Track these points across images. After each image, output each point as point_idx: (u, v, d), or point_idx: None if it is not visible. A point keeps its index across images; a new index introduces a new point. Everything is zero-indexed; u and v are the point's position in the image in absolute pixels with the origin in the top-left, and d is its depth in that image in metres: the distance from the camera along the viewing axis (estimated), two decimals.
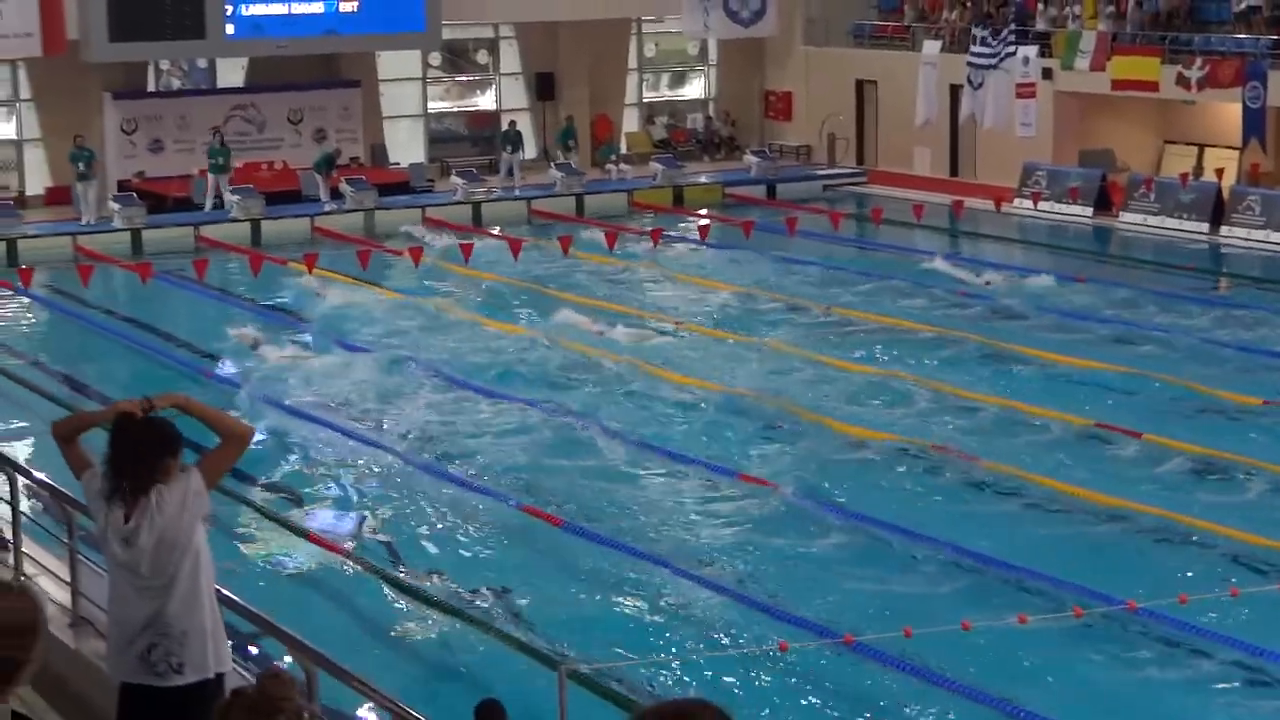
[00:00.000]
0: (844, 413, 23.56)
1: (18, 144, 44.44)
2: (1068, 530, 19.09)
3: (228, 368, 27.49)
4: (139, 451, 8.00)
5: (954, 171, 45.22)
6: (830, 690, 14.98)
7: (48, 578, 12.35)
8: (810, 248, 36.63)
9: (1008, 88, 40.30)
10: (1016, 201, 40.98)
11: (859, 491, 20.27)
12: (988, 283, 32.19)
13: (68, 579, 11.78)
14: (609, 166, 46.03)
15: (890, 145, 46.83)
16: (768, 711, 14.56)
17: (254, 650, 13.87)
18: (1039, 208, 40.60)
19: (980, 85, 40.71)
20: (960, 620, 14.67)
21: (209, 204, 41.26)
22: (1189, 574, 17.45)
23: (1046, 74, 41.25)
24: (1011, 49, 40.41)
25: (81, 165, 40.27)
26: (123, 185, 42.57)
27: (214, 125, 42.79)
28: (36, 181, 44.12)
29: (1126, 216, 39.44)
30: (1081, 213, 40.22)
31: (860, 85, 48.12)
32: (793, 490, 20.11)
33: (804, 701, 14.81)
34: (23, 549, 12.62)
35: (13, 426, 23.96)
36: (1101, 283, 32.56)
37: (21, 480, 12.73)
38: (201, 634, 8.06)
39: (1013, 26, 41.49)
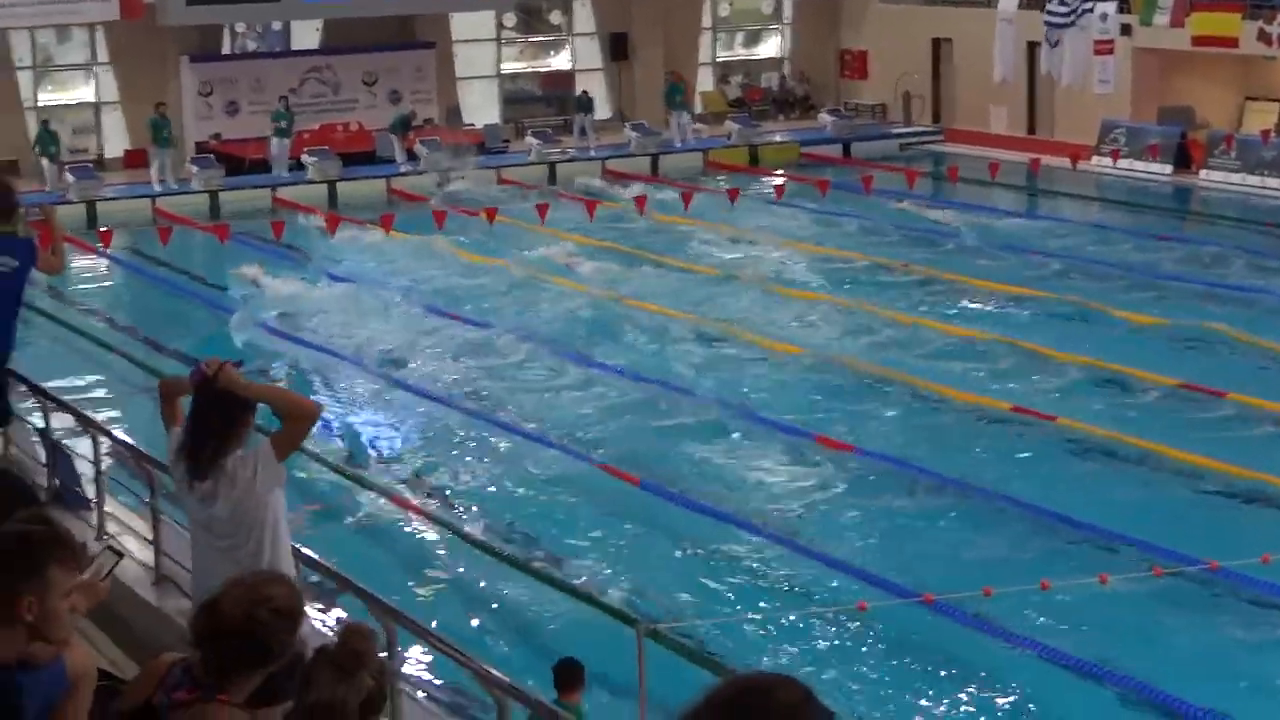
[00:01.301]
0: (924, 372, 23.44)
1: (96, 107, 44.67)
2: (1150, 490, 18.96)
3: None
4: (216, 412, 8.03)
5: (1031, 129, 44.87)
6: (910, 649, 14.93)
7: (130, 536, 12.43)
8: (886, 206, 36.46)
9: (1086, 44, 39.89)
10: (1094, 159, 40.65)
11: (938, 452, 20.17)
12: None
13: (150, 538, 11.85)
14: (680, 124, 45.77)
15: (966, 103, 46.51)
16: (847, 671, 14.52)
17: (334, 608, 13.91)
18: (1117, 165, 40.26)
19: (1058, 43, 40.31)
20: (1040, 580, 14.59)
21: (280, 168, 41.41)
22: (1273, 534, 17.29)
23: (1125, 30, 40.83)
24: (1089, 5, 39.98)
25: (166, 132, 40.50)
26: (200, 148, 42.76)
27: (281, 94, 42.87)
28: (115, 144, 44.35)
29: (1206, 174, 39.09)
30: (1160, 170, 39.84)
31: (936, 43, 47.79)
32: (871, 451, 20.05)
33: (883, 661, 14.77)
34: (106, 508, 12.71)
35: (95, 388, 24.08)
36: (1185, 240, 32.26)
37: (104, 440, 12.80)
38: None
39: None
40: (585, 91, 46.95)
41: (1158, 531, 16.97)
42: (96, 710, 5.80)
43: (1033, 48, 42.23)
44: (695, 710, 3.33)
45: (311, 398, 8.31)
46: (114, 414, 20.96)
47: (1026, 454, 20.34)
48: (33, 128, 41.63)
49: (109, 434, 12.84)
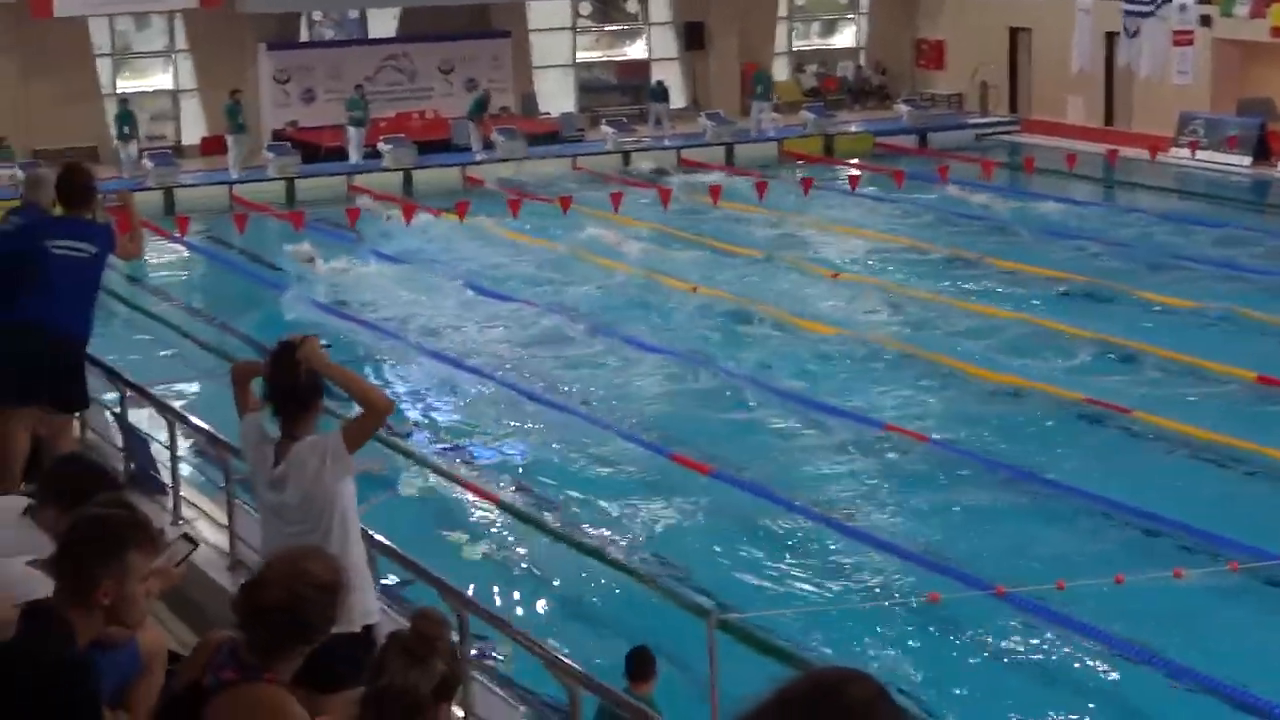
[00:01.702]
0: (998, 363, 23.32)
1: (174, 94, 44.96)
2: (1228, 485, 18.82)
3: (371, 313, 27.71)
4: (286, 394, 8.08)
5: (1109, 120, 44.58)
6: (982, 643, 14.88)
7: (205, 521, 12.51)
8: (962, 197, 36.31)
9: (1165, 35, 39.61)
10: (1173, 151, 40.35)
11: (1012, 443, 20.07)
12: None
13: (225, 523, 11.92)
14: (760, 114, 45.69)
15: (1044, 93, 46.25)
16: (917, 663, 14.48)
17: (405, 595, 13.97)
18: (1196, 157, 39.95)
19: (1136, 33, 40.04)
20: (1114, 574, 14.52)
21: (355, 156, 41.58)
22: None
23: (1204, 21, 40.51)
24: None
25: (240, 118, 40.75)
26: (276, 135, 42.98)
27: (357, 82, 43.04)
28: (193, 131, 44.63)
29: None
30: (1239, 162, 39.49)
31: (1014, 33, 47.54)
32: (944, 441, 19.99)
33: (955, 653, 14.72)
34: (181, 493, 12.79)
35: (171, 373, 24.23)
36: (1264, 233, 31.97)
37: (180, 426, 12.89)
38: (351, 584, 8.10)
39: None
40: (660, 81, 46.98)
41: (1235, 526, 16.83)
42: (167, 689, 5.85)
43: (1111, 38, 41.96)
44: (766, 705, 3.31)
45: (385, 391, 8.30)
46: (189, 399, 21.10)
47: (1101, 447, 20.21)
48: (112, 115, 41.93)
49: (185, 419, 12.93)
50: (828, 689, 3.30)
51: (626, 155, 43.30)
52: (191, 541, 6.64)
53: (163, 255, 33.74)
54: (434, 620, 5.30)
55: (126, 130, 40.34)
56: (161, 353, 25.80)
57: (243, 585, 5.75)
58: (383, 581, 10.21)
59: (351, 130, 41.57)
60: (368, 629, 8.16)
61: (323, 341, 8.13)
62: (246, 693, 5.50)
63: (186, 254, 34.31)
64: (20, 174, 36.53)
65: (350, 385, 8.22)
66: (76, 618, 5.95)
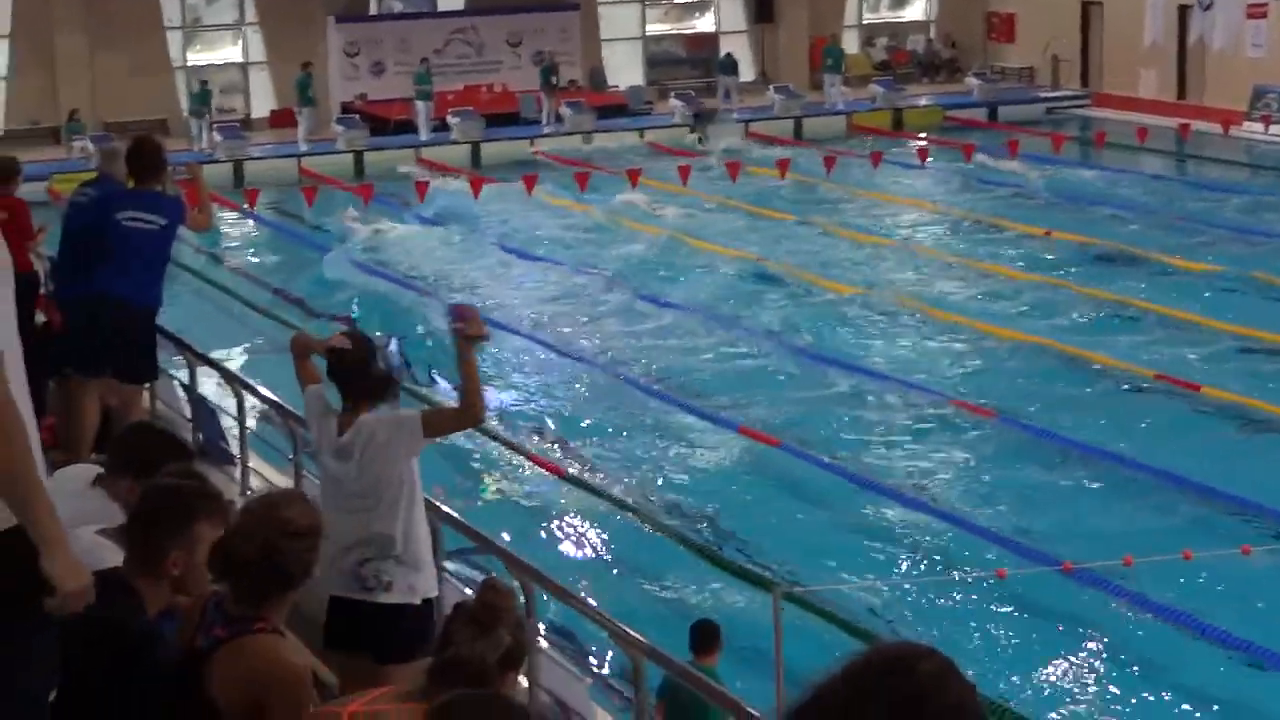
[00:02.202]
0: (1065, 338, 23.22)
1: (244, 67, 45.15)
2: None
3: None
4: (354, 366, 8.15)
5: (1181, 94, 44.24)
6: (1049, 618, 14.83)
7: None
8: (1032, 171, 36.12)
9: (1238, 8, 39.32)
10: (1245, 125, 40.00)
11: (1080, 418, 19.96)
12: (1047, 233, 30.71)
13: None
14: (833, 87, 45.54)
15: (1116, 67, 45.93)
16: (984, 638, 14.44)
17: (471, 567, 14.01)
18: (1270, 131, 39.58)
19: (1210, 6, 39.78)
20: (1182, 550, 14.45)
21: (424, 130, 41.69)
22: None
23: None
24: None
25: (310, 91, 40.92)
26: (345, 108, 43.12)
27: (424, 56, 43.14)
28: (262, 104, 44.80)
29: None
30: None
31: (1085, 6, 47.24)
32: (1011, 416, 19.92)
33: (1022, 629, 14.68)
34: (249, 464, 12.86)
35: (239, 345, 24.37)
36: None
37: (248, 397, 12.95)
38: (414, 559, 8.16)
39: None
40: (729, 54, 46.88)
41: None
42: (166, 658, 5.85)
43: (1184, 11, 41.67)
44: (833, 680, 3.30)
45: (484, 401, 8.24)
46: (258, 371, 21.19)
47: (1171, 422, 20.09)
48: (181, 88, 42.17)
49: (253, 390, 12.99)
50: (897, 664, 3.28)
51: (693, 128, 43.26)
52: None
53: (232, 227, 33.90)
54: (500, 591, 5.32)
55: (204, 108, 40.58)
56: (229, 324, 25.92)
57: (217, 540, 5.76)
58: (447, 559, 10.22)
59: (419, 104, 41.67)
60: (428, 603, 8.20)
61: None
62: (239, 646, 5.51)
63: (255, 227, 34.46)
64: (91, 146, 36.77)
65: (468, 380, 8.12)
66: (145, 587, 5.99)
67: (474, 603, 5.27)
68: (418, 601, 8.15)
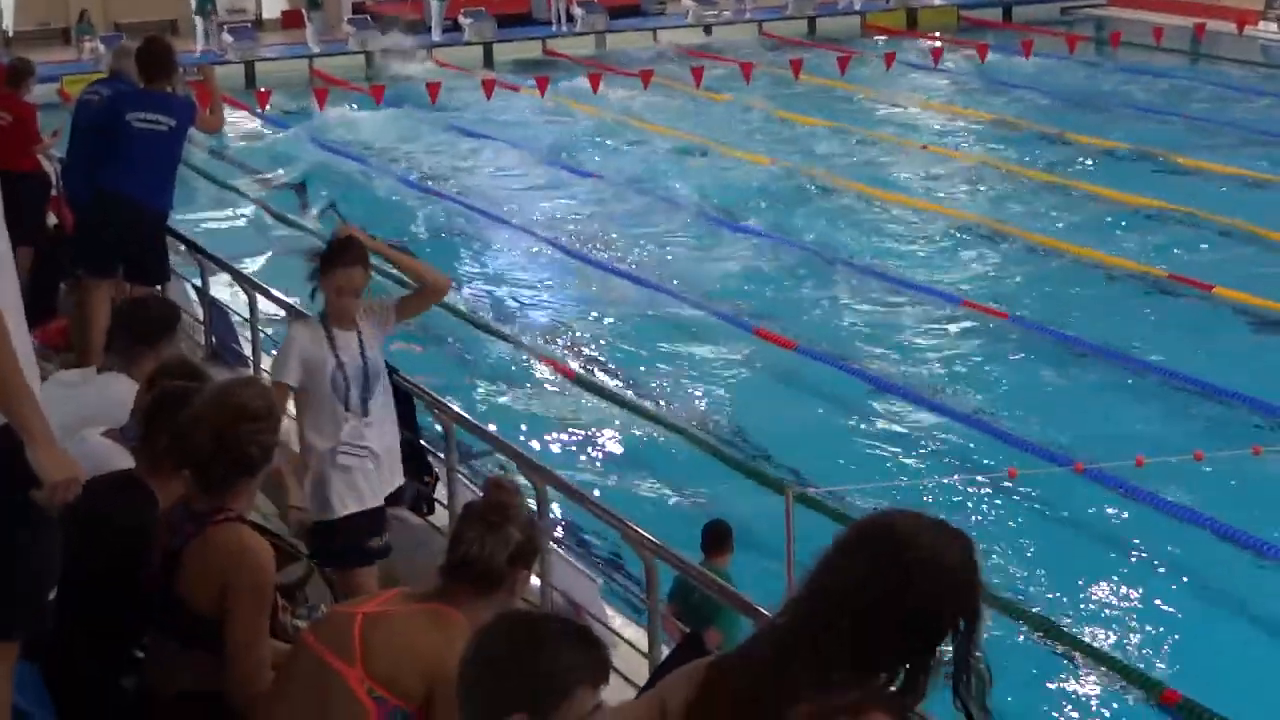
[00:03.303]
0: (1079, 238, 23.15)
1: None
2: None
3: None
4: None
5: None
6: (1059, 518, 14.87)
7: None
8: (1046, 71, 35.93)
9: None
10: (1261, 24, 39.71)
11: (1090, 318, 19.93)
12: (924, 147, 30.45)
13: None
14: None
15: None
16: (996, 537, 14.47)
17: (482, 465, 14.06)
18: None
19: None
20: (1193, 450, 14.47)
21: (436, 30, 41.48)
22: None
23: None
24: None
25: None
26: (357, 9, 42.90)
27: None
28: (273, 5, 44.59)
29: None
30: None
31: None
32: (1022, 317, 19.90)
33: (1033, 528, 14.71)
34: (262, 366, 12.87)
35: (252, 247, 24.34)
36: None
37: (260, 299, 12.95)
38: (393, 454, 8.29)
39: None
40: None
41: None
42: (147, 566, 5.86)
43: None
44: (826, 548, 3.50)
45: (443, 271, 8.39)
46: (270, 273, 21.18)
47: (1183, 323, 20.06)
48: None
49: (265, 291, 12.98)
50: (877, 521, 3.61)
51: (707, 29, 43.01)
52: None
53: (242, 128, 33.80)
54: (508, 488, 5.32)
55: (208, 6, 40.33)
56: (242, 226, 25.90)
57: (172, 430, 5.78)
58: (456, 453, 10.25)
59: (433, 3, 41.45)
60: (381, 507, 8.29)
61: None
62: (204, 540, 5.53)
63: (266, 128, 34.34)
64: (102, 47, 36.70)
65: (409, 268, 8.29)
66: (158, 484, 6.03)
67: (482, 502, 5.28)
68: (380, 503, 8.27)
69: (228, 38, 39.75)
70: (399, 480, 8.44)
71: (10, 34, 40.97)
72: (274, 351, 10.72)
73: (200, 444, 5.58)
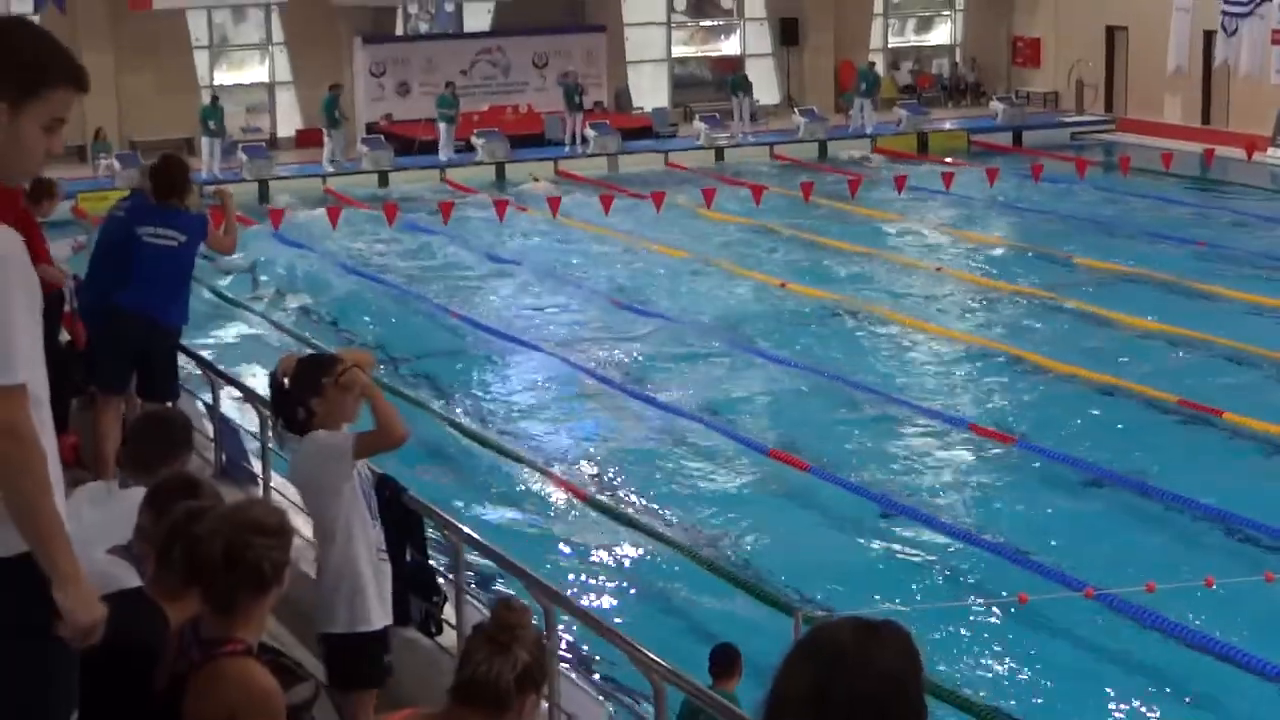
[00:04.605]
0: (1089, 363, 23.16)
1: (269, 87, 45.26)
2: None
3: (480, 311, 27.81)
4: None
5: (1206, 119, 44.19)
6: (1070, 643, 14.79)
7: (296, 512, 12.55)
8: (1056, 196, 36.11)
9: (1263, 34, 39.27)
10: (1270, 151, 39.95)
11: (1100, 444, 19.91)
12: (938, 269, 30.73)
13: None
14: (862, 112, 45.49)
15: (1140, 92, 45.90)
16: (1006, 663, 14.42)
17: (494, 586, 14.02)
18: None
19: (1235, 31, 39.73)
20: (1204, 576, 14.42)
21: (446, 152, 41.73)
22: None
23: None
24: None
25: (337, 113, 40.99)
26: (370, 128, 43.21)
27: (448, 79, 43.21)
28: (288, 124, 44.91)
29: None
30: None
31: (1111, 31, 47.22)
32: (1031, 442, 19.88)
33: (1043, 654, 14.63)
34: (272, 484, 12.87)
35: (264, 365, 24.39)
36: None
37: (270, 415, 12.96)
38: (333, 587, 8.30)
39: None
40: (743, 74, 46.87)
41: None
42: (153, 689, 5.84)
43: (1209, 36, 41.62)
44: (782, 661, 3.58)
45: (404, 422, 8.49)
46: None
47: (1191, 448, 20.04)
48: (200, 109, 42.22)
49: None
50: (826, 628, 3.61)
51: (719, 151, 43.30)
52: None
53: (255, 247, 33.92)
54: (516, 609, 5.31)
55: (213, 125, 40.53)
56: (253, 343, 25.96)
57: (184, 545, 5.75)
58: (468, 573, 10.23)
59: (443, 126, 41.73)
60: (367, 634, 8.27)
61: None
62: (210, 670, 5.49)
63: (279, 246, 34.46)
64: (117, 165, 36.99)
65: (378, 408, 8.34)
66: (169, 605, 6.01)
67: (490, 622, 5.27)
68: (345, 630, 8.26)
69: (242, 156, 40.00)
70: None
71: None
72: (284, 469, 10.73)
73: (211, 558, 5.54)
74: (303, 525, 11.97)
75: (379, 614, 8.21)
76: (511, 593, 11.17)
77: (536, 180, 31.76)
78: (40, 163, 4.68)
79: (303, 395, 8.33)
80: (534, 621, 5.43)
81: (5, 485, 4.52)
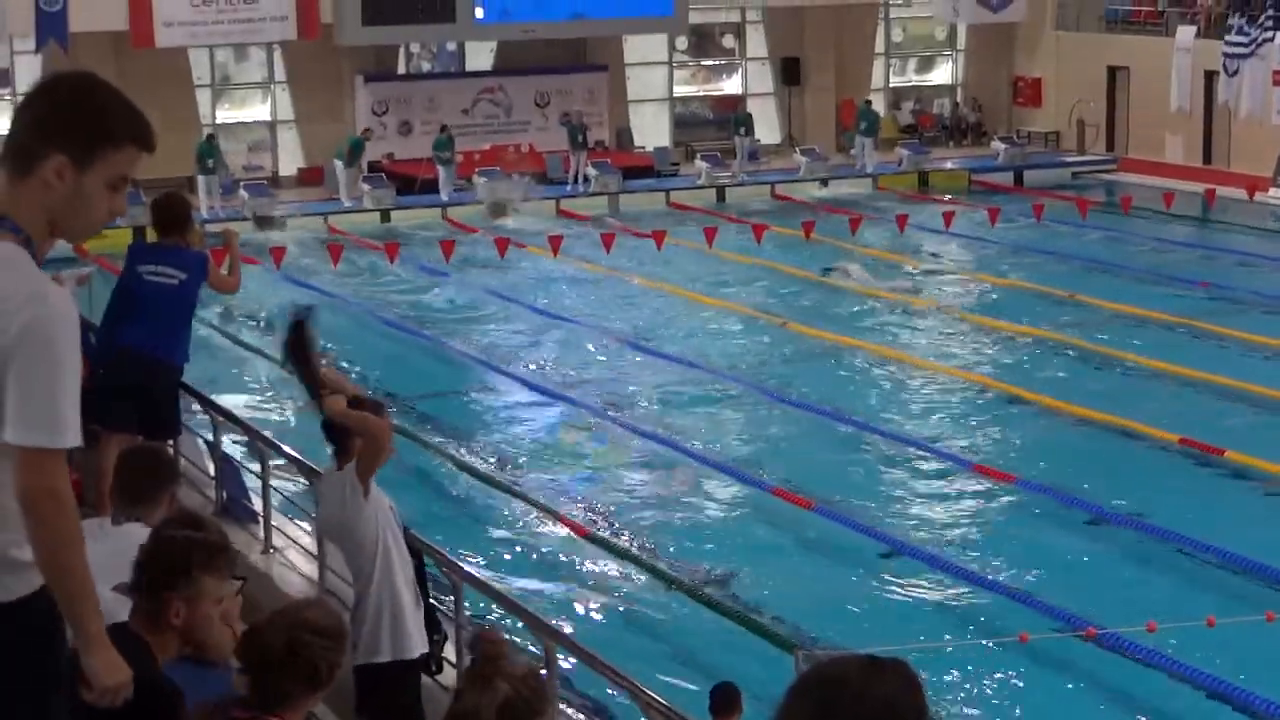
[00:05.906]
0: (1090, 402, 23.15)
1: (272, 125, 45.33)
2: None
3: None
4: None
5: (1207, 160, 44.24)
6: (1071, 682, 14.77)
7: (295, 550, 12.57)
8: (1057, 235, 36.14)
9: (1264, 75, 39.36)
10: (1272, 191, 39.97)
11: (1102, 483, 19.90)
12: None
13: (315, 552, 11.96)
14: (863, 152, 45.55)
15: (1142, 132, 45.95)
16: (1008, 703, 14.39)
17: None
18: None
19: (1236, 72, 39.83)
20: (1205, 616, 14.39)
21: (445, 193, 41.76)
22: None
23: None
24: (1269, 35, 39.45)
25: (360, 155, 41.20)
26: (373, 167, 43.27)
27: (444, 122, 43.27)
28: (290, 162, 44.97)
29: None
30: None
31: (1112, 71, 47.30)
32: (1033, 482, 19.86)
33: (1045, 694, 14.61)
34: (273, 522, 12.86)
35: (266, 403, 24.39)
36: None
37: (271, 454, 12.96)
38: (376, 617, 8.29)
39: (1270, 12, 40.45)
40: (745, 112, 46.96)
41: None
42: None
43: (1210, 77, 41.70)
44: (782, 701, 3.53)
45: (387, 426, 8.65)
46: (282, 427, 21.21)
47: (1193, 487, 20.03)
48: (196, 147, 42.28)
49: (276, 447, 13.00)
50: (829, 666, 3.53)
51: (720, 190, 43.35)
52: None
53: (257, 285, 33.94)
54: (494, 640, 5.28)
55: (210, 163, 40.52)
56: (255, 382, 25.96)
57: (244, 633, 5.73)
58: (466, 611, 10.22)
59: (441, 169, 41.73)
60: (405, 662, 8.29)
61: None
62: None
63: (282, 284, 34.49)
64: None
65: (350, 421, 8.42)
66: (152, 637, 5.99)
67: (475, 658, 5.26)
68: (385, 659, 8.27)
69: (244, 194, 40.03)
70: None
71: None
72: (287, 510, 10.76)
73: (273, 647, 5.51)
74: (299, 560, 11.98)
75: (419, 641, 8.27)
76: (494, 625, 11.14)
77: (849, 268, 31.79)
78: (103, 221, 4.67)
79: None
80: (524, 656, 5.42)
81: (41, 546, 4.55)
